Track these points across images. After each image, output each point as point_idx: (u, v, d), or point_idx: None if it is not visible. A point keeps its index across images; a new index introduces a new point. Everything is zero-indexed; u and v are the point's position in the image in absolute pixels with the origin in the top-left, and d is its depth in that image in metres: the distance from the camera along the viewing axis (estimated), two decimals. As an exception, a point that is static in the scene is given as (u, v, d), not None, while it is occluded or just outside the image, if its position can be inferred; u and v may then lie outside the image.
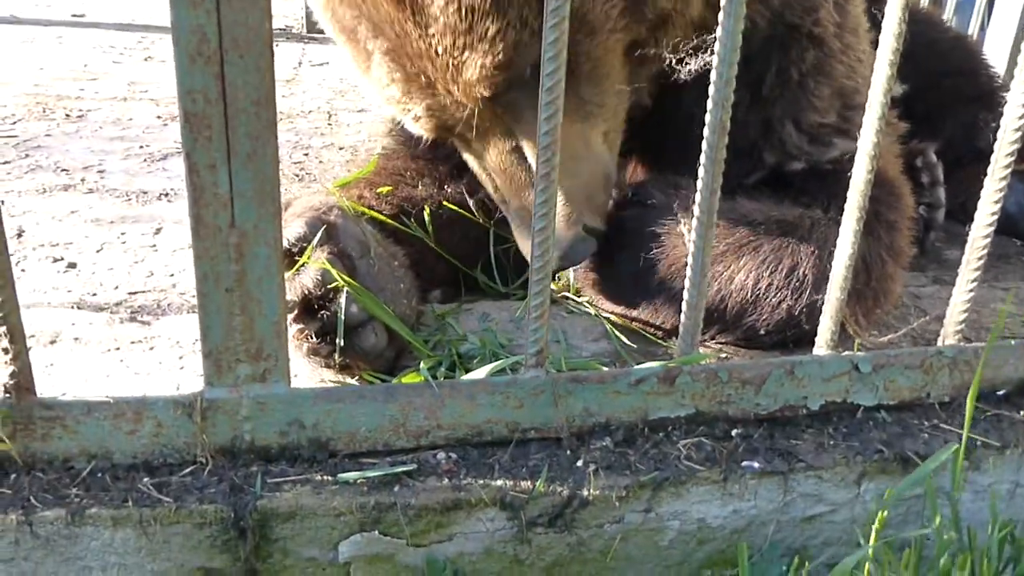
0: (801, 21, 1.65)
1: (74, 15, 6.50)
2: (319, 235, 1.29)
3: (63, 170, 2.63)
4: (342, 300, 1.27)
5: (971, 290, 1.37)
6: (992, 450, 1.37)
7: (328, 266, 1.26)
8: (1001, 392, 1.47)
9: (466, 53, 1.35)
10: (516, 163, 1.50)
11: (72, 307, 1.70)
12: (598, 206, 1.54)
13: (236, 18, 0.94)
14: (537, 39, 1.27)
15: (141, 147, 2.95)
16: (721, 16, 1.09)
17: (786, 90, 1.67)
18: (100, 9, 6.95)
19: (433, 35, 1.36)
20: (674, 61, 1.39)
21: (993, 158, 1.31)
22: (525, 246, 1.51)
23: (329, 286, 1.27)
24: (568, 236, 1.46)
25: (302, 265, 1.28)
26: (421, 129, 1.53)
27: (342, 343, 1.28)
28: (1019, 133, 1.28)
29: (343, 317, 1.26)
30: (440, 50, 1.37)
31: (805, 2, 1.64)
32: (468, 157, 1.62)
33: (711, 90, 1.12)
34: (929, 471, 1.23)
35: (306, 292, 1.25)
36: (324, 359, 1.29)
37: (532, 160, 1.46)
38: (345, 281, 1.27)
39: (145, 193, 2.45)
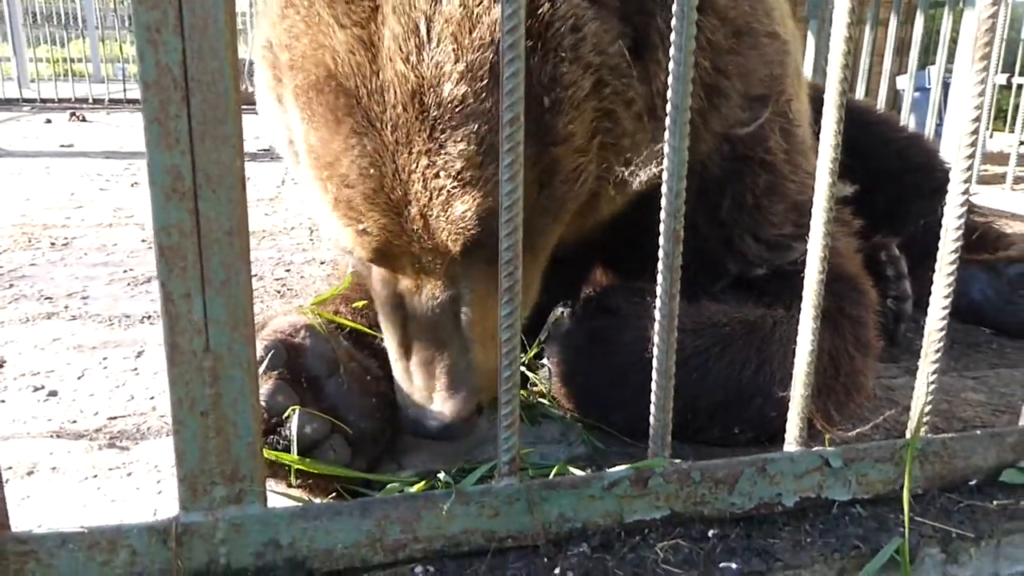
0: (753, 152, 1.75)
1: (62, 145, 6.72)
2: (269, 358, 1.34)
3: (47, 298, 2.68)
4: (294, 423, 1.30)
5: (933, 382, 1.41)
6: (968, 542, 1.37)
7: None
8: (972, 482, 1.48)
9: (468, 187, 1.31)
10: (443, 315, 1.43)
11: (51, 436, 1.70)
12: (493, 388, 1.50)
13: (209, 156, 1.00)
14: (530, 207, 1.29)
15: (125, 271, 3.02)
16: (667, 135, 1.16)
17: (743, 213, 1.75)
18: (88, 139, 7.18)
19: (444, 154, 1.30)
20: (626, 173, 1.46)
21: (939, 255, 1.36)
22: (410, 403, 1.46)
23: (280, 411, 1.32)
24: (467, 409, 1.43)
25: None
26: (359, 245, 1.42)
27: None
28: (960, 220, 1.34)
29: (294, 438, 1.30)
30: (442, 173, 1.31)
31: (755, 134, 1.73)
32: (385, 282, 1.51)
33: (663, 202, 1.19)
34: (876, 570, 1.24)
35: None
36: (284, 480, 1.30)
37: (464, 320, 1.43)
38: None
39: (128, 317, 2.49)
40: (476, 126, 1.28)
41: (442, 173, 1.30)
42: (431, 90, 1.28)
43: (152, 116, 0.98)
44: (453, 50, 1.28)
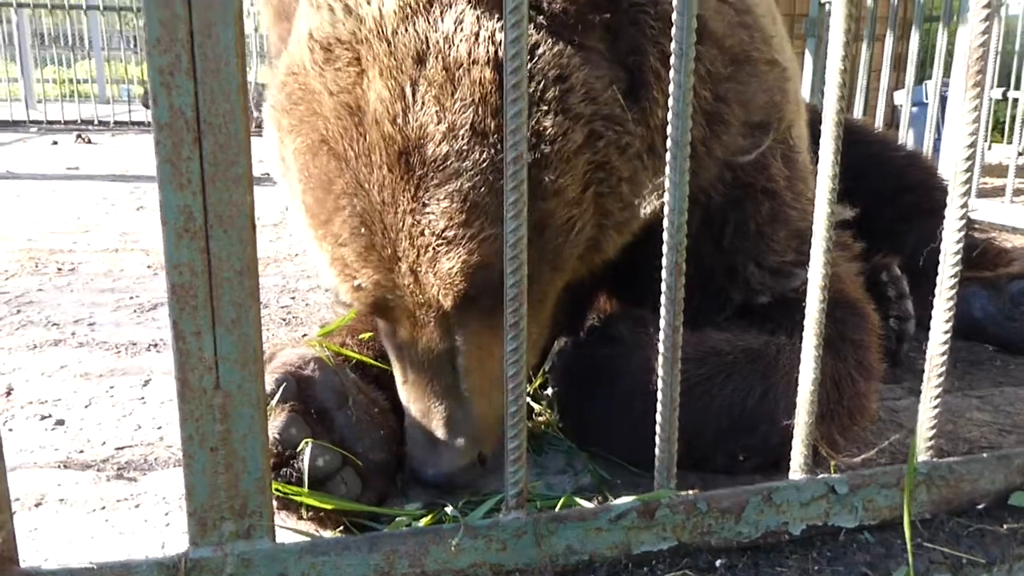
0: (755, 180, 1.76)
1: (69, 168, 6.76)
2: (281, 391, 1.35)
3: (54, 324, 2.70)
4: (306, 455, 1.31)
5: (936, 406, 1.41)
6: (979, 567, 1.37)
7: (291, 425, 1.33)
8: (981, 506, 1.48)
9: (453, 244, 1.34)
10: (440, 366, 1.46)
11: (59, 466, 1.71)
12: (497, 438, 1.49)
13: (220, 196, 1.02)
14: None
15: (131, 298, 3.03)
16: (667, 170, 1.18)
17: (746, 240, 1.76)
18: (94, 162, 7.23)
19: (427, 213, 1.34)
20: (627, 216, 1.48)
21: (939, 278, 1.37)
22: (414, 454, 1.48)
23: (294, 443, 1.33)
24: (466, 460, 1.46)
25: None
26: (356, 299, 1.47)
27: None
28: (959, 244, 1.35)
29: (307, 471, 1.31)
30: (427, 231, 1.35)
31: (757, 162, 1.74)
32: (387, 337, 1.56)
33: (665, 236, 1.20)
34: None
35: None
36: (295, 513, 1.31)
37: (461, 371, 1.46)
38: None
39: (134, 344, 2.51)
40: (459, 184, 1.33)
41: (427, 231, 1.35)
42: (416, 150, 1.33)
43: (165, 157, 1.00)
44: (436, 112, 1.33)
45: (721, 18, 1.64)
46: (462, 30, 1.35)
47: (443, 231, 1.34)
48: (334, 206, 1.40)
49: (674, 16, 1.14)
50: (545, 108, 1.37)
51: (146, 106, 10.65)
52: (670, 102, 1.17)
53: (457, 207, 1.33)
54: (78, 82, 12.53)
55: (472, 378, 1.46)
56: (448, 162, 1.33)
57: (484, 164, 1.33)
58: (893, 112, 6.31)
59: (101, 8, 11.40)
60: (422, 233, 1.35)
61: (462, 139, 1.33)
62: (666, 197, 1.19)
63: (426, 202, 1.34)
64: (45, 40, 14.17)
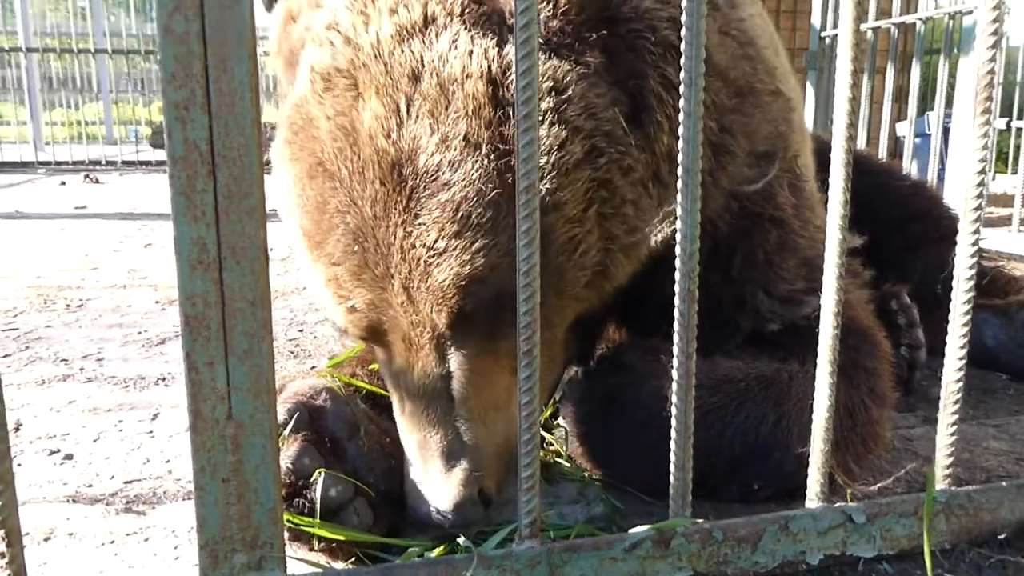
0: (762, 209, 1.76)
1: (77, 207, 6.82)
2: (294, 421, 1.35)
3: (62, 360, 2.70)
4: (319, 486, 1.30)
5: (952, 434, 1.40)
6: (1002, 599, 1.35)
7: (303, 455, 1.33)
8: (1002, 536, 1.46)
9: (444, 256, 1.33)
10: (437, 394, 1.41)
11: (68, 500, 1.70)
12: (499, 472, 1.45)
13: (234, 228, 1.02)
14: (510, 273, 1.23)
15: (139, 333, 3.04)
16: (679, 197, 1.18)
17: (754, 269, 1.76)
18: (101, 200, 7.29)
19: (419, 224, 1.33)
20: (634, 240, 1.48)
21: (952, 305, 1.37)
22: (409, 490, 1.41)
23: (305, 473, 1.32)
24: (464, 495, 1.37)
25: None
26: (351, 323, 1.45)
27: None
28: (972, 271, 1.35)
29: (319, 501, 1.30)
30: (418, 243, 1.34)
31: (764, 191, 1.74)
32: (384, 366, 1.52)
33: (678, 263, 1.20)
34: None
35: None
36: (306, 544, 1.30)
37: (458, 399, 1.40)
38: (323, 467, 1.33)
39: (143, 379, 2.50)
40: (451, 194, 1.33)
41: (418, 243, 1.35)
42: (408, 162, 1.34)
43: (179, 189, 1.01)
44: (429, 124, 1.34)
45: (724, 50, 1.66)
46: (456, 48, 1.37)
47: (434, 242, 1.34)
48: (328, 226, 1.40)
49: (683, 47, 1.16)
50: (540, 118, 1.37)
51: (154, 146, 10.77)
52: (680, 129, 1.18)
53: (448, 217, 1.33)
54: (86, 124, 12.69)
55: (471, 407, 1.41)
56: (440, 172, 1.34)
57: (476, 175, 1.34)
58: (896, 143, 6.34)
59: (109, 52, 11.57)
60: (413, 246, 1.35)
61: (455, 150, 1.33)
62: (678, 224, 1.19)
63: (418, 213, 1.34)
64: (54, 83, 14.40)
